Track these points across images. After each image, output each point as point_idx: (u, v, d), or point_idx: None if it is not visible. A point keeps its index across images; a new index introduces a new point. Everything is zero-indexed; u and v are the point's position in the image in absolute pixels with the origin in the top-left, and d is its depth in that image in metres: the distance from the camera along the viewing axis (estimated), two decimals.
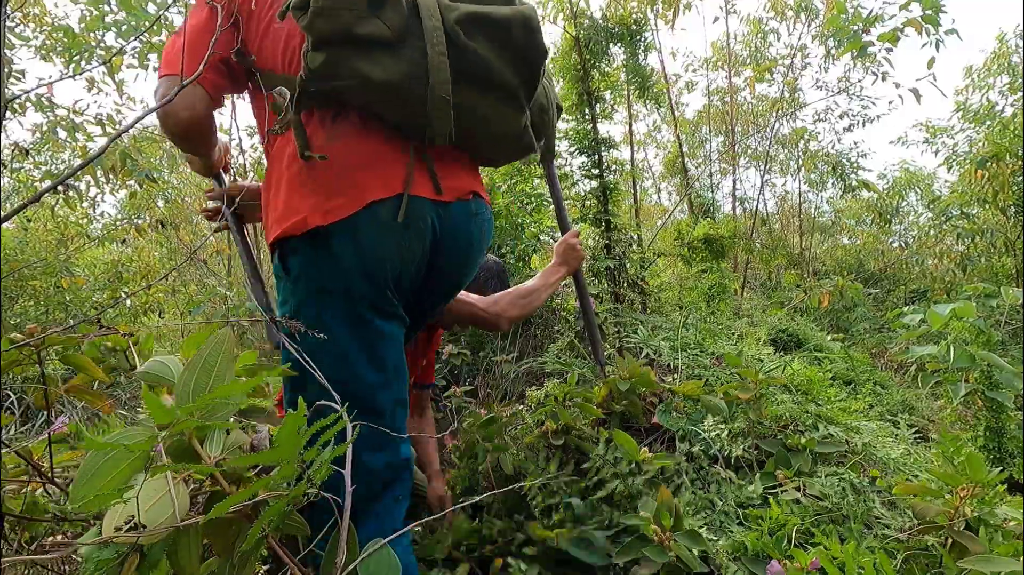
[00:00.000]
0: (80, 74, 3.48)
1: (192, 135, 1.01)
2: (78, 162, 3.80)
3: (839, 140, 7.44)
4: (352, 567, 0.68)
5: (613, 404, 1.73)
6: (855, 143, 8.59)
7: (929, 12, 3.12)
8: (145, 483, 0.55)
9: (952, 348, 2.46)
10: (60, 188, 3.56)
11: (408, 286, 1.04)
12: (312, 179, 0.95)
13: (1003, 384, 2.13)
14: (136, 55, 3.25)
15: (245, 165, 5.73)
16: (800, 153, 7.84)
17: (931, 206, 7.03)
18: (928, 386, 3.16)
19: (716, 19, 9.70)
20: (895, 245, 7.98)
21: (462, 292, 1.62)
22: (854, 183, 6.94)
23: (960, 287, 3.90)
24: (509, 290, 1.66)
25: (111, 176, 3.32)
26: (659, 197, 10.43)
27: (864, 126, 7.06)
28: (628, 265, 3.31)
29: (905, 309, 2.78)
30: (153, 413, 0.54)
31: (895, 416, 2.64)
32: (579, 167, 3.42)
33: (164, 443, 0.62)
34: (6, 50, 3.17)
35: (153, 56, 3.30)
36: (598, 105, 3.40)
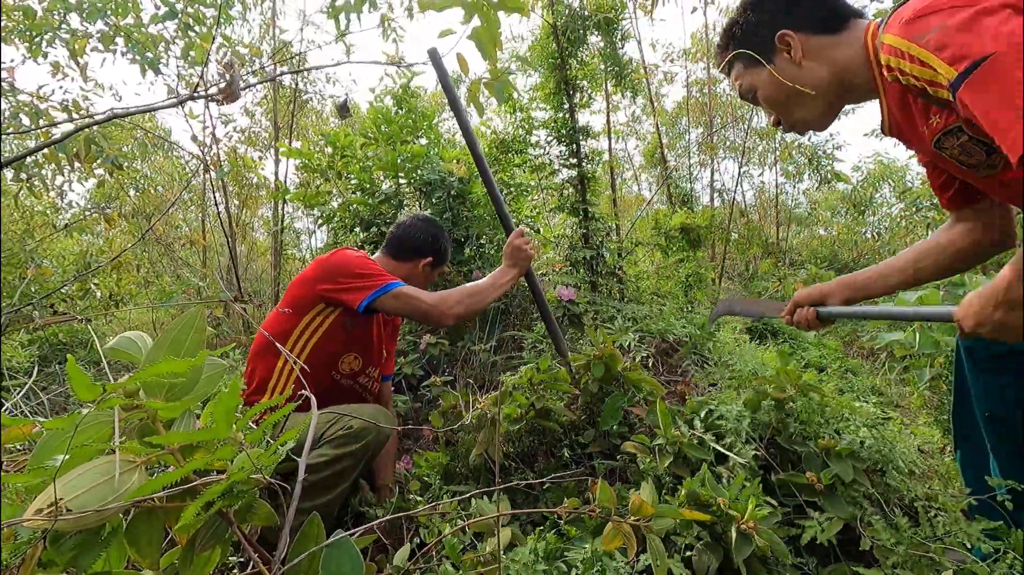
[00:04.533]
0: (44, 57, 3.36)
1: None
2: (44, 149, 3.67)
3: (815, 132, 7.54)
4: (302, 558, 0.67)
5: (588, 387, 1.73)
6: (831, 135, 8.70)
7: None
8: (99, 465, 0.54)
9: (918, 335, 2.53)
10: (24, 176, 3.45)
11: None
12: None
13: None
14: (101, 38, 3.15)
15: (219, 155, 5.60)
16: (777, 145, 7.93)
17: (902, 197, 7.17)
18: (895, 372, 3.25)
19: (695, 9, 9.76)
20: (868, 235, 8.14)
21: (408, 287, 1.65)
22: (828, 175, 7.06)
23: None
24: (458, 288, 1.72)
25: (75, 163, 3.23)
26: (638, 187, 10.49)
27: (840, 118, 7.16)
28: (606, 254, 3.33)
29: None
30: (76, 388, 0.52)
31: (865, 399, 2.71)
32: (557, 156, 3.42)
33: (127, 424, 0.61)
34: None
35: (120, 40, 3.19)
36: (576, 94, 3.40)
